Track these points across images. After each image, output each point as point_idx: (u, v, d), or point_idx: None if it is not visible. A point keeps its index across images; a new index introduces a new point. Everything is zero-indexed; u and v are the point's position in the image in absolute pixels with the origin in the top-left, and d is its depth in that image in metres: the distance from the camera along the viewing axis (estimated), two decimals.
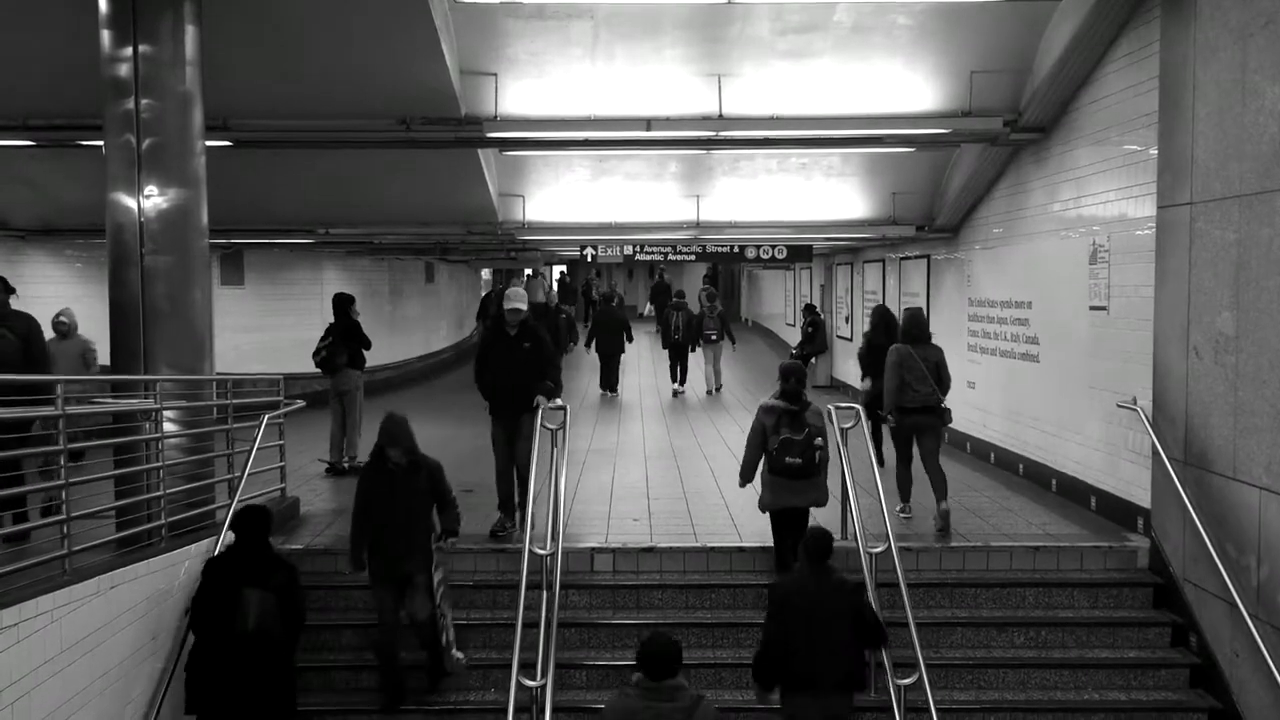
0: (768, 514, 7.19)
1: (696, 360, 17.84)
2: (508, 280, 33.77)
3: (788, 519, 7.03)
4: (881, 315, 10.07)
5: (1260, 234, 5.97)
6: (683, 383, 17.34)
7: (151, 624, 6.10)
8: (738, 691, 6.78)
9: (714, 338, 16.90)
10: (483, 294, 27.64)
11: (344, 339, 10.54)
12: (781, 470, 6.82)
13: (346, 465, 10.33)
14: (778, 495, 6.97)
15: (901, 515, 8.16)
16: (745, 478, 7.21)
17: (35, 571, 5.32)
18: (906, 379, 7.96)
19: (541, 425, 7.44)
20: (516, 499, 7.84)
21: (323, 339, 10.57)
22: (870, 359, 9.65)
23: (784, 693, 5.46)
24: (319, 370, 10.61)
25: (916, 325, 8.33)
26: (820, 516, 8.22)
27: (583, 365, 20.58)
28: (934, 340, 8.30)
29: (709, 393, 17.21)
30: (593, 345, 17.30)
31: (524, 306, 7.85)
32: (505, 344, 7.80)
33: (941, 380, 8.07)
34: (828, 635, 5.34)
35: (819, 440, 6.85)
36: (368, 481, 6.52)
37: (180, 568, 6.46)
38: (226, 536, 6.76)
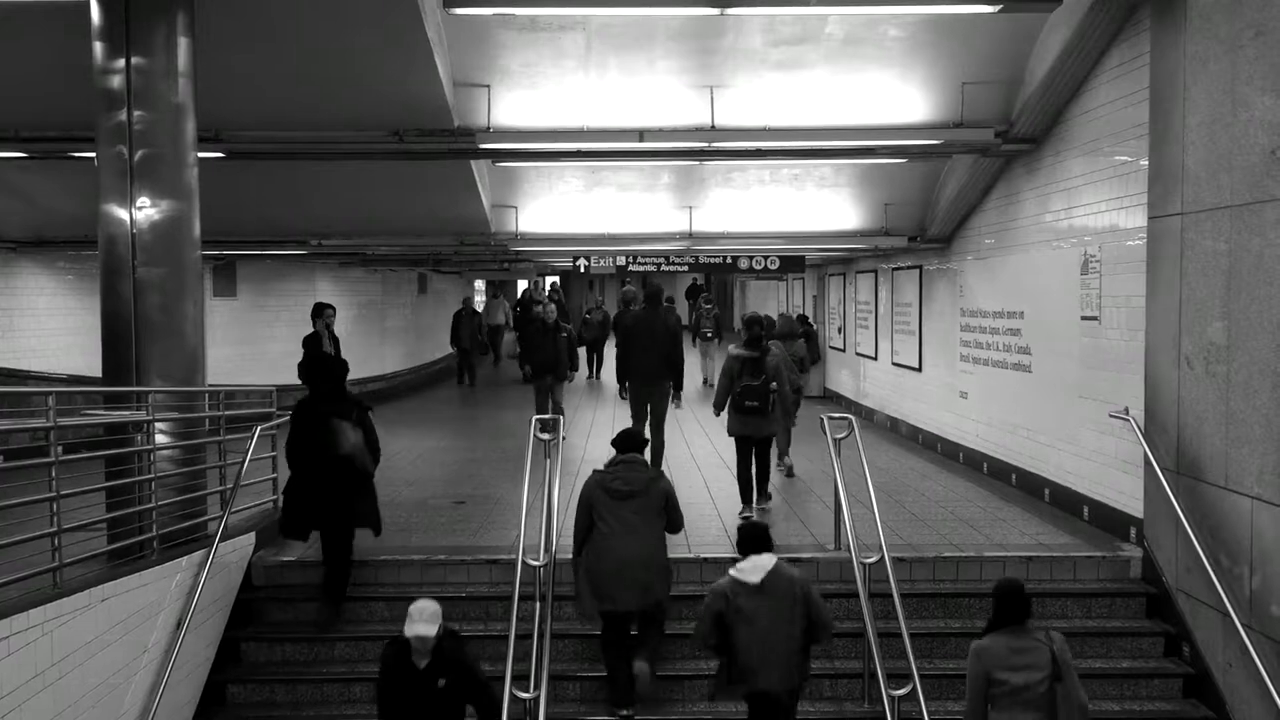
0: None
1: (693, 358, 18.17)
2: (496, 292, 32.20)
3: (750, 443, 8.79)
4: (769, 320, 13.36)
5: (1250, 244, 6.00)
6: None
7: (143, 636, 6.07)
8: (732, 704, 6.76)
9: (709, 335, 18.90)
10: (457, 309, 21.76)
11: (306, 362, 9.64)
12: (742, 410, 8.63)
13: None
14: (739, 426, 8.75)
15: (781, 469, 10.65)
16: (718, 408, 9.02)
17: (26, 584, 5.30)
18: None
19: (535, 435, 7.36)
20: None
21: None
22: None
23: (627, 382, 9.71)
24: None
25: (786, 326, 11.99)
26: (817, 522, 8.21)
27: (578, 377, 20.55)
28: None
29: (704, 383, 18.45)
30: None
31: (430, 633, 5.23)
32: (413, 680, 5.34)
33: (803, 367, 11.25)
34: (652, 352, 9.46)
35: (774, 385, 8.60)
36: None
37: (172, 580, 6.42)
38: (221, 547, 6.76)
